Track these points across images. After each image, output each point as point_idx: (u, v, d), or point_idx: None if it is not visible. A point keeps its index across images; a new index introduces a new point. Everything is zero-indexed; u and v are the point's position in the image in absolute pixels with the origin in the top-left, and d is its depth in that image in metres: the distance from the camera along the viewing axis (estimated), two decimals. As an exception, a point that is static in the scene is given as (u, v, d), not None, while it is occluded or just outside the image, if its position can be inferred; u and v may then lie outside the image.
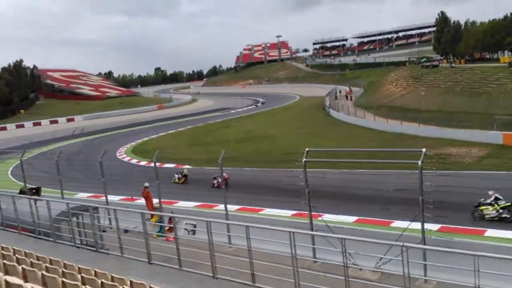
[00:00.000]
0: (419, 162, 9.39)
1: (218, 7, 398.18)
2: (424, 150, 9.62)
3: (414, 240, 9.54)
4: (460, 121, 35.49)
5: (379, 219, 16.38)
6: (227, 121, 63.68)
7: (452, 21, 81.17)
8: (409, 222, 10.33)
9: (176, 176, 27.34)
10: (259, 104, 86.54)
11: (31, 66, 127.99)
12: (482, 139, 30.99)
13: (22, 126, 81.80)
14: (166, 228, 15.81)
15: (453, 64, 67.11)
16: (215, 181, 24.61)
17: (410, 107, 50.21)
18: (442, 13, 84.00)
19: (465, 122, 34.81)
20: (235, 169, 25.60)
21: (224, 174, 25.24)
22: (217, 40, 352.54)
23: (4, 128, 79.76)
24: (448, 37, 77.45)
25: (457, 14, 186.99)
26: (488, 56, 75.83)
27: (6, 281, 6.46)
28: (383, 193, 18.17)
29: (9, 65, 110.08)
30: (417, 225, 9.94)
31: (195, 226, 15.17)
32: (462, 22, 78.74)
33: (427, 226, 9.85)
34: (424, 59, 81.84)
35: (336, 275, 8.52)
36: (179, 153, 33.85)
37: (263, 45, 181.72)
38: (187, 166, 31.37)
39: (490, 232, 14.10)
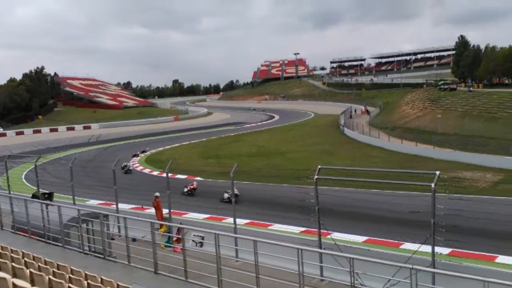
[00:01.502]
0: (433, 185, 9.28)
1: (237, 23, 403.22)
2: (437, 173, 9.51)
3: (423, 263, 9.40)
4: (476, 145, 35.16)
5: (389, 240, 16.18)
6: (240, 135, 63.84)
7: (472, 45, 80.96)
8: (419, 245, 10.19)
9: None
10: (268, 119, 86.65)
11: (52, 74, 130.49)
12: (497, 164, 30.61)
13: (39, 131, 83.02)
14: (174, 239, 15.80)
15: (471, 88, 66.68)
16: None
17: (426, 129, 49.92)
18: (462, 37, 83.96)
19: (480, 147, 34.48)
20: (246, 183, 25.61)
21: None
22: (235, 55, 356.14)
23: (22, 133, 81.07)
24: (468, 61, 77.17)
25: (477, 39, 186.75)
26: (507, 82, 75.29)
27: (14, 284, 6.51)
28: (394, 214, 17.99)
29: (31, 72, 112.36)
30: (427, 248, 9.80)
31: (203, 238, 15.12)
32: (482, 47, 78.54)
33: (438, 249, 9.70)
34: (442, 81, 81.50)
35: (343, 294, 8.43)
36: (192, 164, 33.97)
37: (280, 62, 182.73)
38: (199, 178, 31.47)
39: (502, 259, 13.83)
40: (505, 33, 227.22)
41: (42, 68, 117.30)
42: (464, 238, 13.97)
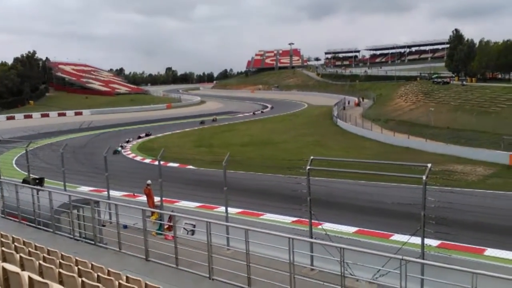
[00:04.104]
0: (424, 177, 9.32)
1: (233, 11, 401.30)
2: (429, 165, 9.54)
3: (413, 254, 9.47)
4: (468, 139, 35.36)
5: (379, 231, 16.29)
6: (233, 125, 63.73)
7: (466, 39, 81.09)
8: (409, 236, 10.27)
9: None
10: (264, 111, 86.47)
11: (44, 58, 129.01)
12: (488, 158, 30.83)
13: (30, 116, 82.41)
14: (166, 227, 15.81)
15: (464, 82, 66.91)
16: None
17: (418, 122, 50.09)
18: (457, 30, 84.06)
19: (472, 140, 34.69)
20: (238, 172, 25.62)
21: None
22: (229, 44, 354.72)
23: (12, 118, 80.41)
24: (461, 55, 77.28)
25: (472, 33, 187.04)
26: (500, 76, 75.61)
27: (4, 268, 6.47)
28: (385, 206, 18.09)
29: (22, 56, 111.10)
30: (417, 240, 9.88)
31: (194, 226, 15.14)
32: (476, 41, 78.67)
33: (427, 241, 9.78)
34: (436, 75, 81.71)
35: (333, 284, 8.48)
36: (184, 153, 33.88)
37: (275, 52, 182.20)
38: (190, 167, 31.44)
39: (490, 251, 13.99)
40: (500, 28, 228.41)
41: (34, 52, 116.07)
42: (454, 230, 14.09)
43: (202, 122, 66.13)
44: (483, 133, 39.29)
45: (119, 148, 41.95)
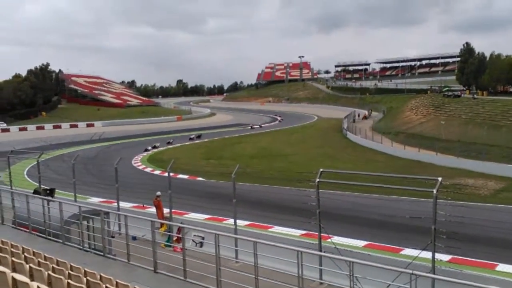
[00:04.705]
0: (434, 191, 9.23)
1: (243, 25, 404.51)
2: (440, 179, 9.45)
3: (423, 269, 9.35)
4: (479, 153, 35.01)
5: (389, 245, 16.13)
6: (243, 137, 63.82)
7: (477, 53, 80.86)
8: (420, 251, 10.15)
9: None
10: (276, 122, 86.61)
11: (57, 70, 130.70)
12: (499, 172, 30.50)
13: (43, 128, 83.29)
14: (174, 239, 15.79)
15: (475, 95, 66.56)
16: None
17: (429, 135, 49.81)
18: (467, 44, 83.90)
19: (483, 154, 34.34)
20: (247, 184, 25.60)
21: None
22: (240, 57, 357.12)
23: (25, 129, 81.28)
24: (472, 68, 77.05)
25: (483, 46, 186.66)
26: (511, 90, 75.09)
27: (13, 278, 6.51)
28: (395, 219, 17.93)
29: (36, 68, 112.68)
30: (427, 254, 9.76)
31: (203, 238, 15.11)
32: (487, 54, 78.40)
33: (438, 256, 9.66)
34: (446, 88, 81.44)
35: (342, 298, 8.40)
36: (194, 165, 33.99)
37: (285, 64, 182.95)
38: (200, 178, 31.46)
39: (502, 267, 13.77)
40: (510, 42, 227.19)
41: (47, 64, 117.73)
42: (465, 245, 13.94)
43: (252, 128, 75.40)
44: (494, 146, 38.92)
45: (149, 147, 49.91)
